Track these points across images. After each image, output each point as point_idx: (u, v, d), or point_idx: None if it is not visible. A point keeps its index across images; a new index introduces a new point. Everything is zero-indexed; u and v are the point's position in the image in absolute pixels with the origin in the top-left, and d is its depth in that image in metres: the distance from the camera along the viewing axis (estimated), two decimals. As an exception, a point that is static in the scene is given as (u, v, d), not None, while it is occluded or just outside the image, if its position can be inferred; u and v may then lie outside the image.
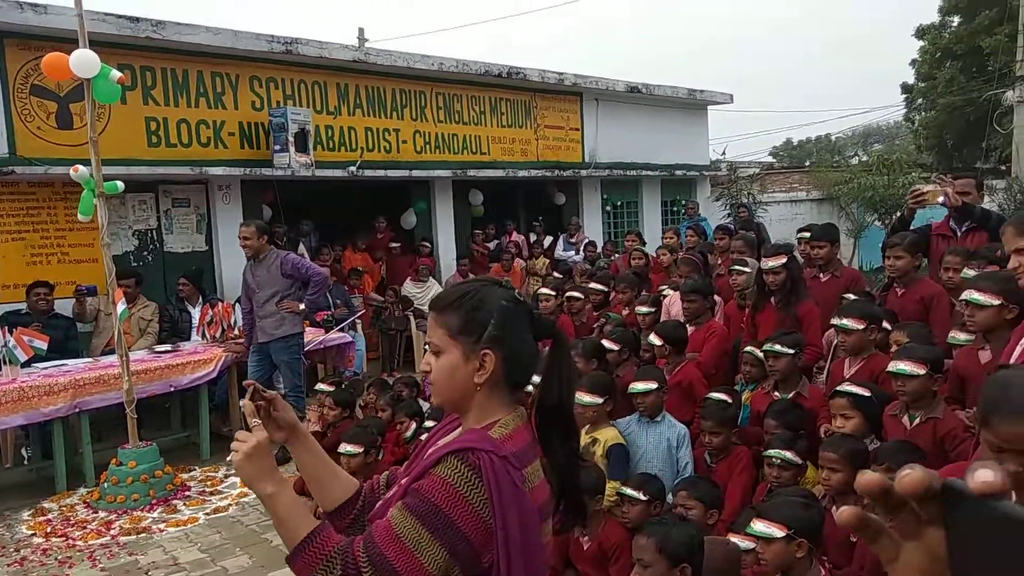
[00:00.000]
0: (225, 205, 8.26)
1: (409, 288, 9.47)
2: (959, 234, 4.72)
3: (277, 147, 8.16)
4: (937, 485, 0.54)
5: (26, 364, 5.66)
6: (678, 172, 13.46)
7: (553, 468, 1.52)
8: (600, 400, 3.84)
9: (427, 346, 1.52)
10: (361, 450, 4.32)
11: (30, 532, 4.85)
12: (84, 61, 5.10)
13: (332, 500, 1.61)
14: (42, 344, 5.72)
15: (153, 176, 7.60)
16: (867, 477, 0.56)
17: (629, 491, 3.22)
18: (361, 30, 18.49)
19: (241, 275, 6.34)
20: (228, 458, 1.51)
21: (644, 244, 8.46)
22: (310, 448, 1.63)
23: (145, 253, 7.80)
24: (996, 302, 3.17)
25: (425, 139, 10.04)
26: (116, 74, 5.28)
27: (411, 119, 9.87)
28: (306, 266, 6.28)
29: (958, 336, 3.54)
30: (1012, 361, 2.44)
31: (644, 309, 5.50)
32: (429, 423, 4.36)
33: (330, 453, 4.49)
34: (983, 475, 0.52)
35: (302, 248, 8.90)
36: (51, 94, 7.02)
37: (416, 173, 9.83)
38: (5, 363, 5.51)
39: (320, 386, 5.47)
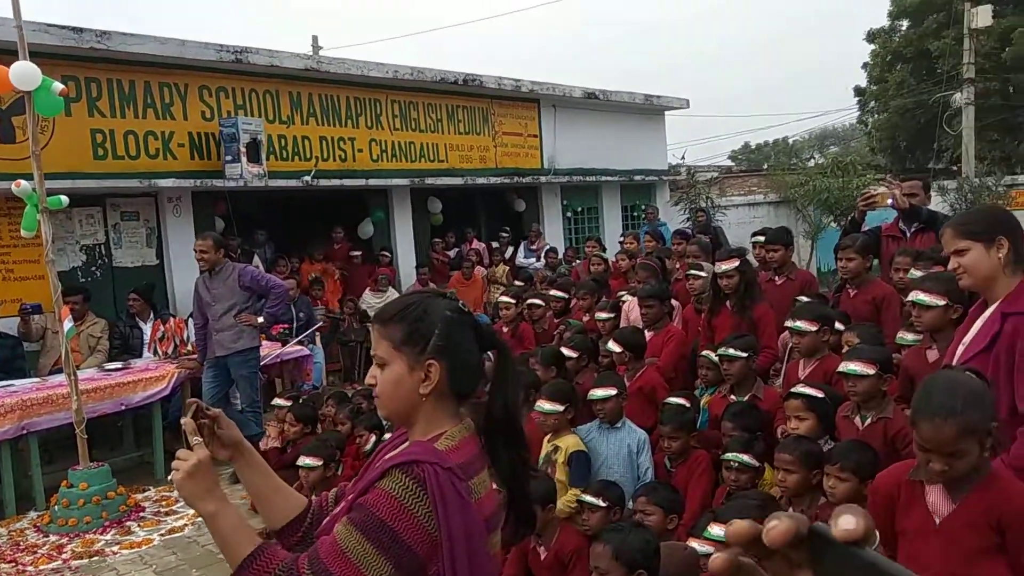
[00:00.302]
0: (176, 218, 8.09)
1: (368, 299, 9.38)
2: (908, 235, 4.81)
3: (228, 158, 8.02)
4: (804, 531, 0.53)
5: (-31, 386, 5.48)
6: (637, 177, 13.56)
7: (502, 478, 1.52)
8: (561, 408, 3.83)
9: (373, 358, 1.51)
10: (320, 463, 4.26)
11: (-25, 560, 4.67)
12: (24, 74, 4.97)
13: (280, 517, 1.59)
14: (-15, 365, 5.55)
15: (100, 189, 7.41)
16: (735, 526, 0.56)
17: (589, 498, 3.22)
18: (315, 38, 18.34)
19: (193, 289, 6.21)
20: (168, 477, 1.48)
21: (604, 250, 8.50)
22: (256, 466, 1.62)
23: (93, 268, 7.60)
24: (941, 302, 3.23)
25: (381, 147, 9.96)
26: (58, 86, 5.15)
27: (367, 127, 9.79)
28: (265, 278, 6.19)
29: (906, 336, 3.60)
30: (954, 360, 2.48)
31: (603, 315, 5.51)
32: (388, 436, 4.30)
33: (288, 470, 4.42)
34: (846, 522, 0.52)
35: (257, 260, 8.77)
36: (-9, 108, 6.82)
37: (373, 182, 9.75)
38: (-54, 386, 5.33)
39: (278, 401, 5.39)
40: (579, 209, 13.04)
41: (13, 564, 4.58)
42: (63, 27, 7.01)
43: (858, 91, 24.70)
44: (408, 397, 1.45)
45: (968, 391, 2.03)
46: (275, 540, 1.52)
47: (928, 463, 2.02)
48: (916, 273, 3.94)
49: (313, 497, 1.68)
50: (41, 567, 4.53)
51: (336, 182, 9.26)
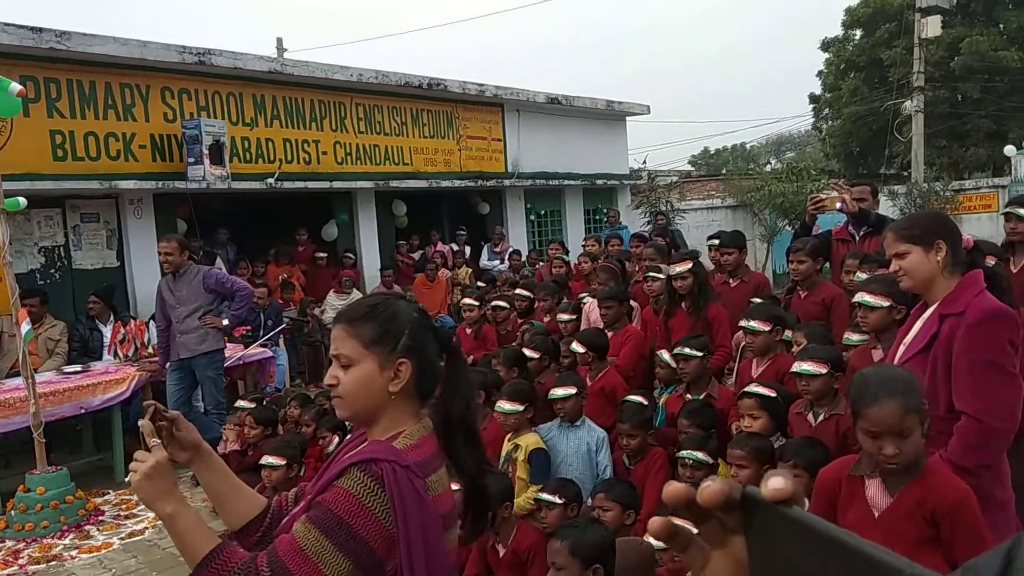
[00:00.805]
0: (137, 220, 8.01)
1: (332, 300, 9.37)
2: (858, 238, 4.99)
3: (191, 159, 7.97)
4: (737, 495, 0.55)
5: (-78, 390, 5.38)
6: (599, 181, 13.74)
7: (462, 475, 1.57)
8: (521, 408, 3.91)
9: (335, 359, 1.52)
10: (284, 463, 4.28)
11: (-69, 568, 4.60)
12: (-19, 75, 4.91)
13: (238, 518, 1.61)
14: (-60, 369, 5.45)
15: (60, 191, 7.31)
16: (671, 488, 0.57)
17: (545, 496, 3.30)
18: (279, 40, 18.21)
19: (155, 291, 6.17)
20: (126, 479, 1.51)
21: (567, 253, 8.61)
22: (214, 467, 1.63)
23: (52, 271, 7.49)
24: (885, 304, 3.38)
25: (346, 150, 9.97)
26: (15, 87, 5.08)
27: (331, 130, 9.79)
28: (231, 280, 6.18)
29: (852, 336, 3.76)
30: (896, 360, 2.61)
31: (565, 316, 5.62)
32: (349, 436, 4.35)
33: (250, 473, 4.43)
34: (775, 483, 0.53)
35: (220, 262, 8.71)
36: (-54, 106, 6.68)
37: (337, 184, 9.75)
38: (-102, 390, 5.23)
39: (241, 403, 5.38)
40: (542, 212, 13.17)
41: (-31, 570, 4.52)
42: (21, 26, 6.92)
43: (813, 98, 25.28)
44: (376, 396, 1.48)
45: (898, 375, 2.19)
46: (234, 541, 1.53)
47: (880, 450, 2.11)
48: (862, 275, 4.10)
49: (273, 498, 1.71)
50: (-2, 573, 4.48)
51: (300, 184, 9.25)
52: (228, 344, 6.40)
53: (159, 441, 1.51)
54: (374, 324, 1.50)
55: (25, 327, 5.24)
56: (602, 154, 13.86)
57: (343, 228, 10.40)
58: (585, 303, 5.90)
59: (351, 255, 10.15)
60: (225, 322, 6.06)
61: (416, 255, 11.16)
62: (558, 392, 3.99)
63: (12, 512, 5.05)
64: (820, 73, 24.59)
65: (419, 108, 10.93)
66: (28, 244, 7.28)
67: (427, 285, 10.05)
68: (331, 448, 4.46)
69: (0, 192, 5.13)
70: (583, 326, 5.57)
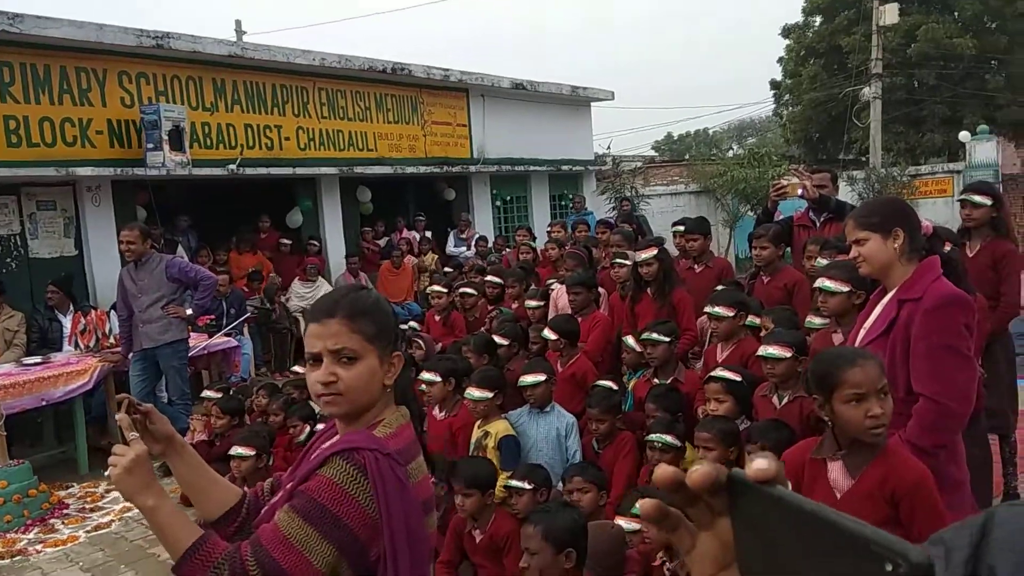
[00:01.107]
0: (95, 207, 7.84)
1: (297, 288, 9.30)
2: (818, 224, 5.10)
3: (150, 145, 7.81)
4: (723, 478, 0.57)
5: None
6: (564, 167, 13.78)
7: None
8: (490, 394, 3.94)
9: (332, 354, 1.47)
10: (253, 453, 4.27)
11: None
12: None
13: (215, 509, 1.62)
14: None
15: (15, 178, 7.11)
16: (661, 470, 0.59)
17: (515, 482, 3.33)
18: (238, 23, 17.87)
19: (116, 280, 6.06)
20: (106, 472, 1.50)
21: (534, 239, 8.64)
22: (188, 459, 1.63)
23: (8, 260, 7.30)
24: (845, 289, 3.47)
25: (309, 136, 9.85)
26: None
27: (293, 115, 9.66)
28: (194, 270, 6.10)
29: (814, 320, 3.85)
30: (856, 343, 2.69)
31: (533, 303, 5.66)
32: (321, 426, 4.34)
33: (218, 463, 4.41)
34: (759, 463, 0.55)
35: (181, 250, 8.58)
36: None
37: (300, 170, 9.65)
38: None
39: (207, 393, 5.34)
40: (508, 198, 13.18)
41: (-72, 567, 4.43)
42: (-29, 10, 6.70)
43: (774, 84, 25.54)
44: (375, 390, 1.51)
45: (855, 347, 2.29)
46: (211, 530, 1.53)
47: (867, 413, 2.15)
48: (822, 261, 4.20)
49: (247, 488, 1.72)
50: (-41, 569, 4.40)
51: (263, 171, 9.13)
52: (192, 333, 6.32)
53: (137, 434, 1.51)
54: (375, 318, 1.51)
55: (-19, 319, 5.12)
56: (567, 140, 13.90)
57: (307, 215, 10.29)
58: (553, 289, 5.95)
59: (315, 242, 10.07)
60: (189, 311, 5.98)
61: (382, 242, 11.11)
62: (528, 379, 4.03)
63: (-27, 507, 4.95)
64: (781, 60, 24.86)
65: (383, 93, 10.83)
66: (-18, 233, 7.09)
67: (393, 272, 10.02)
68: (302, 438, 4.46)
69: (-48, 180, 5.00)
70: (551, 312, 5.62)
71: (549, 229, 8.60)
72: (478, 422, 4.05)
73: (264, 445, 4.41)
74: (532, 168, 13.14)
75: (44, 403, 5.65)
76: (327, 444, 1.54)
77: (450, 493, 3.42)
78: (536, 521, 2.74)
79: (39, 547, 4.64)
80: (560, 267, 6.60)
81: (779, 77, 25.26)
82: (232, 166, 8.68)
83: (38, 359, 6.07)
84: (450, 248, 11.31)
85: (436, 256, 10.90)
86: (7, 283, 6.79)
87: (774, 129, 34.64)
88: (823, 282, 3.56)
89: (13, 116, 7.17)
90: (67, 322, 6.69)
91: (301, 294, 9.21)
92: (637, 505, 0.61)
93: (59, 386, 5.66)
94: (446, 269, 8.95)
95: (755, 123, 42.43)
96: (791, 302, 4.51)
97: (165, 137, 7.71)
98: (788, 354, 3.35)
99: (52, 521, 4.98)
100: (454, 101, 11.98)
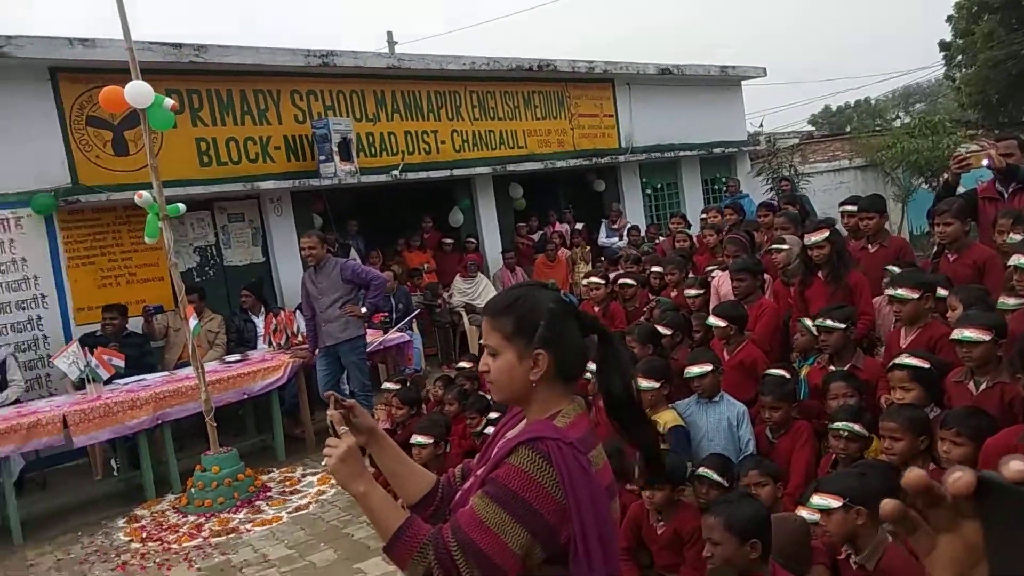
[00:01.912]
0: (278, 217, 8.55)
1: (459, 284, 9.69)
2: (1006, 196, 4.72)
3: (322, 157, 8.41)
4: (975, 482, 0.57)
5: (107, 382, 5.99)
6: (716, 150, 13.41)
7: (641, 449, 1.70)
8: (657, 384, 3.96)
9: (485, 348, 1.65)
10: (431, 441, 4.51)
11: (127, 539, 5.16)
12: (138, 93, 5.32)
13: (413, 493, 1.75)
14: (120, 362, 6.06)
15: (208, 194, 7.90)
16: (914, 475, 0.59)
17: (713, 475, 3.32)
18: (390, 33, 18.71)
19: (300, 283, 6.60)
20: (323, 463, 1.68)
21: (689, 227, 8.50)
22: (387, 448, 1.78)
23: (207, 268, 8.14)
24: (1047, 265, 3.21)
25: (463, 138, 10.22)
26: (168, 102, 5.51)
27: (447, 119, 10.05)
28: (365, 271, 6.55)
29: (1008, 300, 3.58)
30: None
31: (693, 291, 5.61)
32: (494, 414, 4.53)
33: (402, 448, 4.70)
34: (1016, 465, 0.55)
35: (353, 253, 9.17)
36: (106, 123, 7.34)
37: (457, 172, 10.02)
38: (89, 381, 5.85)
39: (387, 385, 5.70)
40: (658, 186, 13.01)
41: (159, 542, 5.04)
42: (164, 44, 7.48)
43: (943, 45, 23.48)
44: (520, 383, 1.60)
45: None
46: (413, 513, 1.65)
47: None
48: (1015, 237, 3.89)
49: (441, 475, 1.85)
50: (184, 544, 4.96)
51: (423, 174, 9.57)
52: (368, 330, 6.76)
53: (347, 428, 1.66)
54: (512, 317, 1.60)
55: (193, 322, 5.75)
56: (718, 122, 13.51)
57: (465, 213, 10.70)
58: (714, 277, 5.86)
59: (473, 240, 10.44)
60: (363, 310, 6.40)
61: (535, 236, 11.32)
62: (694, 370, 4.01)
63: (192, 489, 5.57)
64: (950, 18, 22.81)
65: (530, 91, 11.03)
66: (184, 244, 7.92)
67: (548, 265, 10.19)
68: (479, 428, 4.67)
69: (163, 199, 5.62)
70: (712, 300, 5.54)
71: (704, 215, 8.43)
72: (645, 412, 4.08)
73: (441, 433, 4.65)
74: (682, 153, 12.89)
75: (245, 396, 6.26)
76: (511, 433, 1.64)
77: (621, 480, 3.46)
78: (718, 512, 2.73)
79: (248, 526, 5.15)
80: (719, 253, 6.47)
81: (948, 37, 23.20)
82: (395, 172, 9.17)
83: (237, 357, 6.72)
84: (602, 239, 11.34)
85: (588, 248, 10.98)
86: (207, 289, 7.56)
87: (945, 93, 31.86)
88: (1019, 259, 3.31)
89: (204, 138, 7.96)
90: (260, 323, 7.36)
91: (463, 290, 9.59)
92: (881, 507, 0.61)
93: (257, 381, 6.25)
94: (601, 259, 8.99)
95: (922, 88, 39.23)
96: (981, 281, 4.20)
97: (335, 149, 8.28)
98: (987, 337, 3.14)
99: (258, 503, 5.51)
100: (600, 92, 11.98)
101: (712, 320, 4.62)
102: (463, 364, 6.30)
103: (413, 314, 8.26)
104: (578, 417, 1.59)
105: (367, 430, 1.74)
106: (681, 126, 12.80)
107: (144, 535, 5.17)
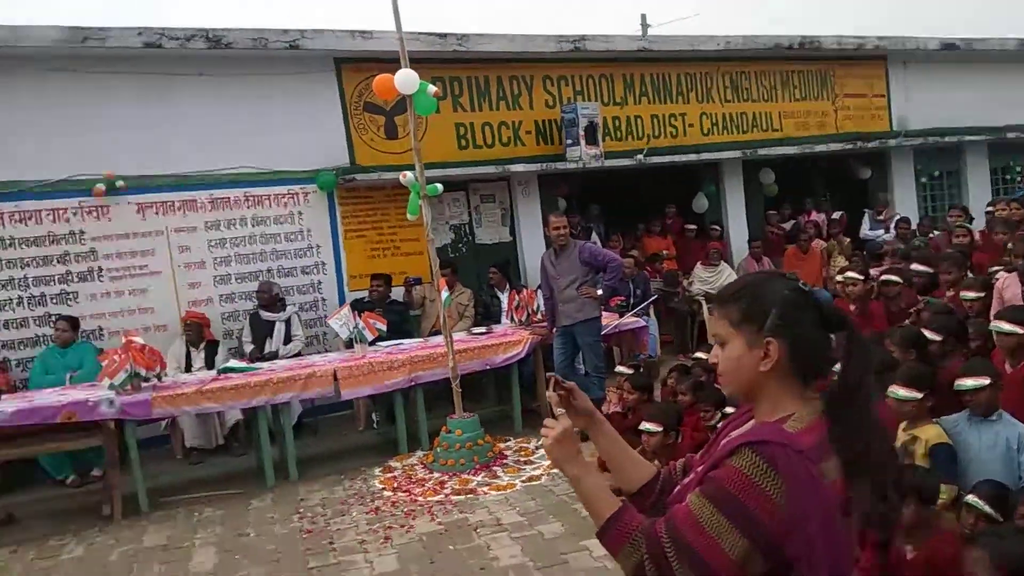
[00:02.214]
0: (525, 199, 8.91)
1: (700, 272, 9.45)
2: None
3: (569, 141, 8.61)
4: None
5: (371, 343, 6.66)
6: (1010, 135, 11.71)
7: (869, 466, 1.42)
8: (919, 395, 3.58)
9: (714, 337, 1.57)
10: (661, 429, 4.46)
11: (381, 486, 5.71)
12: (406, 80, 5.76)
13: (631, 482, 1.72)
14: (383, 326, 6.69)
15: (464, 176, 8.42)
16: None
17: (984, 507, 2.96)
18: (644, 16, 18.57)
19: (540, 264, 6.82)
20: (538, 441, 1.71)
21: (971, 220, 7.55)
22: (607, 433, 1.76)
23: (460, 245, 8.72)
24: None
25: (712, 121, 9.90)
26: (432, 89, 5.92)
27: (697, 102, 9.80)
28: (603, 253, 6.63)
29: None
30: None
31: (971, 294, 4.99)
32: (729, 409, 4.38)
33: (630, 434, 4.70)
34: None
35: (594, 236, 9.31)
36: (379, 109, 8.09)
37: (704, 155, 9.74)
38: (356, 342, 6.54)
39: (620, 368, 5.74)
40: (935, 174, 11.66)
41: (407, 493, 5.52)
42: (430, 34, 8.03)
43: None
44: (749, 375, 1.49)
45: None
46: (628, 503, 1.61)
47: None
48: None
49: (659, 465, 1.79)
50: (429, 499, 5.39)
51: (668, 158, 9.43)
52: (604, 313, 6.83)
53: (564, 410, 1.68)
54: (740, 304, 1.50)
55: (444, 294, 6.20)
56: (1013, 102, 11.77)
57: (711, 199, 10.38)
58: (998, 278, 5.16)
59: (718, 227, 10.11)
60: (599, 292, 6.47)
61: (787, 225, 10.70)
62: (968, 383, 3.56)
63: (437, 449, 6.02)
64: None
65: (789, 70, 10.39)
66: (441, 223, 8.54)
67: (799, 257, 9.59)
68: (713, 423, 4.54)
69: (423, 180, 6.07)
70: (994, 306, 4.89)
71: (990, 208, 7.42)
72: (902, 424, 3.71)
73: (672, 423, 4.58)
74: (967, 138, 11.41)
75: (487, 367, 6.63)
76: (736, 432, 1.54)
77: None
78: (986, 545, 2.43)
79: (485, 489, 5.46)
80: (1012, 253, 5.66)
81: None
82: (640, 156, 9.13)
83: (483, 330, 7.13)
84: (864, 231, 10.42)
85: (848, 240, 10.15)
86: (459, 265, 8.09)
87: None
88: None
89: (462, 123, 8.49)
90: (504, 299, 7.74)
91: (703, 278, 9.34)
92: None
93: (499, 354, 6.59)
94: (859, 254, 8.28)
95: None
96: None
97: (582, 133, 8.44)
98: None
99: (495, 468, 5.82)
100: (870, 71, 10.97)
101: (999, 325, 4.04)
102: (700, 355, 6.14)
103: (650, 299, 8.21)
104: (812, 423, 1.43)
105: (587, 414, 1.74)
106: (966, 107, 11.33)
107: (395, 485, 5.69)
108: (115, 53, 6.93)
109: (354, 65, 7.96)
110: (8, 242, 6.80)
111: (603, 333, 6.68)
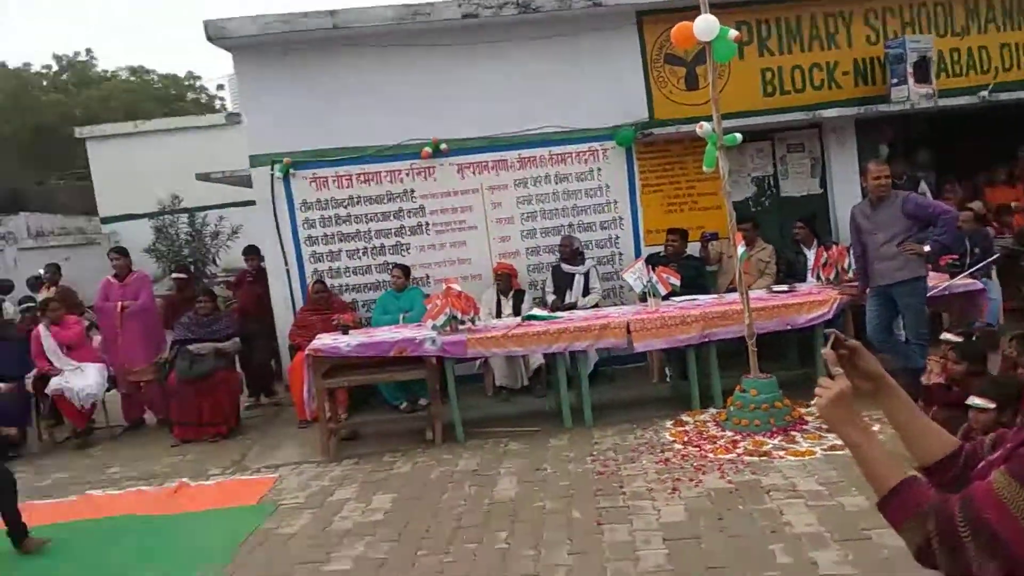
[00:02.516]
0: (839, 147, 8.20)
1: (1059, 228, 7.96)
2: None
3: (894, 80, 7.72)
4: None
5: (665, 298, 6.66)
6: None
7: None
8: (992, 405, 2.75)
9: None
10: (994, 406, 3.93)
11: (671, 439, 5.75)
12: (705, 26, 5.54)
13: (927, 454, 1.57)
14: (676, 281, 6.65)
15: (768, 125, 7.96)
16: None
17: None
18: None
19: (849, 217, 6.23)
20: (812, 402, 1.58)
21: None
22: (900, 400, 1.60)
23: (762, 199, 8.31)
24: None
25: (1083, 46, 8.20)
26: (733, 33, 5.61)
27: (1062, 25, 8.16)
28: (933, 204, 5.88)
29: None
30: None
31: None
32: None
33: (953, 409, 4.21)
34: None
35: (923, 187, 8.27)
36: (680, 60, 7.95)
37: (1068, 90, 8.12)
38: (649, 296, 6.59)
39: (947, 335, 5.10)
40: None
41: (698, 448, 5.48)
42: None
43: None
44: None
45: None
46: (918, 475, 1.48)
47: None
48: None
49: (971, 442, 1.59)
50: (719, 456, 5.30)
51: (1020, 94, 8.02)
52: (932, 273, 6.08)
53: (841, 370, 1.55)
54: None
55: (740, 249, 5.98)
56: None
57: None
58: None
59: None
60: (927, 249, 5.75)
61: None
62: None
63: (731, 408, 5.89)
64: None
65: None
66: (742, 175, 8.21)
67: None
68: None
69: (720, 130, 5.85)
70: None
71: None
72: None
73: (1010, 399, 4.00)
74: None
75: (788, 327, 6.28)
76: None
77: None
78: None
79: (781, 453, 5.23)
80: None
81: None
82: (983, 93, 7.88)
83: (785, 288, 6.75)
84: None
85: None
86: (761, 219, 7.73)
87: None
88: None
89: (769, 68, 8.03)
90: (811, 255, 7.23)
91: (1062, 235, 7.85)
92: None
93: (802, 314, 6.21)
94: None
95: None
96: None
97: (910, 70, 7.52)
98: None
99: (793, 433, 5.55)
100: None
101: None
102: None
103: (991, 258, 7.09)
104: None
105: (874, 377, 1.62)
106: None
107: (686, 439, 5.69)
108: (438, 26, 7.64)
109: (655, 17, 7.90)
110: (356, 200, 7.94)
111: (929, 295, 5.96)
